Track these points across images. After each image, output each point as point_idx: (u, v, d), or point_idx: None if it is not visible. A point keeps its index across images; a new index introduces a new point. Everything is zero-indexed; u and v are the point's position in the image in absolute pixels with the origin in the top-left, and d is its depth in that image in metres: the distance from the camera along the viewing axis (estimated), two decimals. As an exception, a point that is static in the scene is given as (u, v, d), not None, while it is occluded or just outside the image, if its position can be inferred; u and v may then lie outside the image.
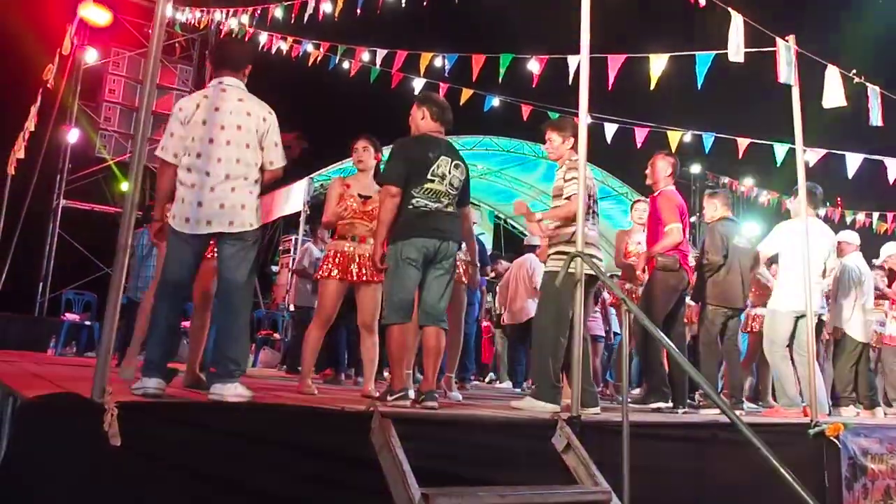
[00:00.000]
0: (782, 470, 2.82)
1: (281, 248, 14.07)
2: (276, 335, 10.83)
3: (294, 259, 10.65)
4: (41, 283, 11.97)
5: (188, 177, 3.15)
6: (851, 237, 7.06)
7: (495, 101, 10.14)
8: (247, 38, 10.59)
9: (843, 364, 6.71)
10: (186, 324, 7.30)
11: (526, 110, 9.96)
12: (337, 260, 4.48)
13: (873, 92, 5.78)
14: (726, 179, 15.29)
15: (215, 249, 3.30)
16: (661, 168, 5.44)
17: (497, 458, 3.10)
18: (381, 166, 4.85)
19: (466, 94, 9.66)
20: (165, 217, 3.27)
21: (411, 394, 3.86)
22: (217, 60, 3.46)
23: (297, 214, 12.75)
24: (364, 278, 4.45)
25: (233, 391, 2.93)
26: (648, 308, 5.16)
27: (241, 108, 3.25)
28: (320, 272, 4.53)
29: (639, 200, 7.22)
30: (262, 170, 3.31)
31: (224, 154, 3.16)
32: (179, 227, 3.14)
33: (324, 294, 4.50)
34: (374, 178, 4.73)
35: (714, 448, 3.81)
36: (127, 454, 2.23)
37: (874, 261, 7.55)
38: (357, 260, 4.47)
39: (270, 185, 3.50)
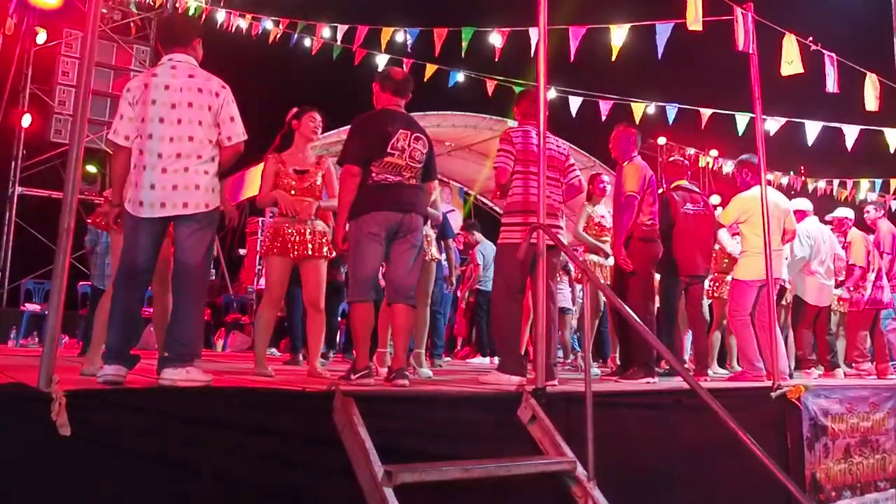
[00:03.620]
0: (740, 433, 2.86)
1: (248, 230, 13.89)
2: (245, 319, 10.72)
3: (261, 241, 10.52)
4: (0, 274, 11.67)
5: (140, 159, 3.08)
6: (804, 204, 7.17)
7: (460, 77, 10.07)
8: (204, 16, 10.36)
9: (801, 328, 6.85)
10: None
11: (491, 85, 9.92)
12: (277, 238, 4.41)
13: (829, 59, 5.84)
14: (692, 150, 15.44)
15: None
16: (623, 139, 5.42)
17: (463, 432, 3.10)
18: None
19: (430, 69, 9.58)
20: (123, 202, 3.16)
21: (382, 371, 3.84)
22: (164, 38, 3.35)
23: (263, 196, 12.55)
24: (306, 254, 4.39)
25: (184, 375, 2.87)
26: (643, 282, 5.02)
27: (191, 85, 3.15)
28: (262, 249, 4.48)
29: (597, 174, 7.21)
30: (220, 146, 3.21)
31: (175, 133, 3.07)
32: (134, 212, 3.06)
33: (268, 272, 4.45)
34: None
35: (678, 414, 3.86)
36: (78, 443, 2.18)
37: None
38: (297, 237, 4.41)
39: (237, 163, 3.40)
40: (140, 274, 3.08)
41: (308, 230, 4.45)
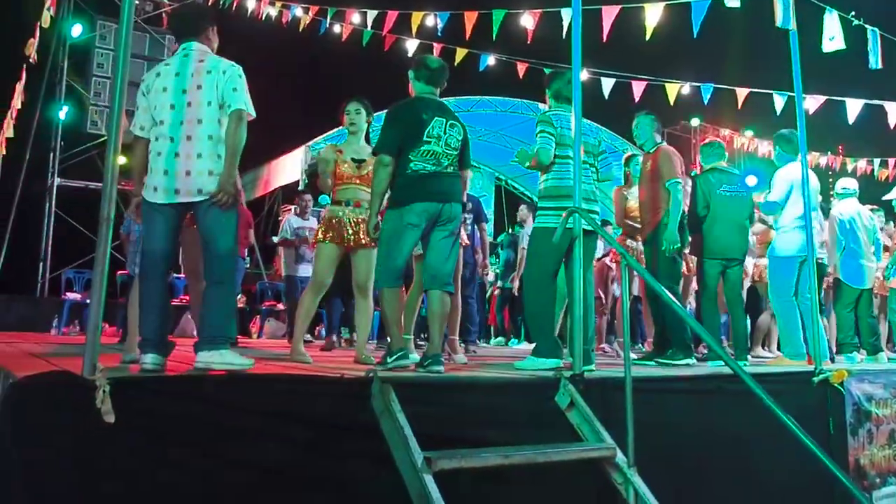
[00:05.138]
0: (785, 419, 2.80)
1: (281, 217, 14.04)
2: (281, 305, 10.82)
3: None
4: (41, 264, 11.94)
5: (155, 145, 3.12)
6: (849, 183, 6.98)
7: (490, 60, 9.98)
8: (234, 5, 10.39)
9: (842, 310, 6.69)
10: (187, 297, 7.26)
11: (522, 68, 9.82)
12: (332, 225, 4.45)
13: (873, 34, 5.65)
14: (726, 131, 15.13)
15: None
16: (647, 124, 5.38)
17: (500, 418, 3.08)
18: (371, 130, 4.79)
19: (461, 53, 9.52)
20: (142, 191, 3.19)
21: (413, 356, 3.83)
22: (176, 30, 3.37)
23: (296, 183, 12.66)
24: (359, 243, 4.41)
25: (218, 358, 2.88)
26: (667, 266, 5.11)
27: (201, 68, 3.16)
28: (316, 237, 4.52)
29: (632, 154, 7.08)
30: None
31: (185, 116, 3.10)
32: (150, 198, 3.09)
33: (317, 259, 4.49)
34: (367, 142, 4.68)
35: (719, 399, 3.80)
36: (122, 431, 2.21)
37: None
38: (352, 225, 4.44)
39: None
40: (160, 261, 3.09)
41: (363, 218, 4.45)
